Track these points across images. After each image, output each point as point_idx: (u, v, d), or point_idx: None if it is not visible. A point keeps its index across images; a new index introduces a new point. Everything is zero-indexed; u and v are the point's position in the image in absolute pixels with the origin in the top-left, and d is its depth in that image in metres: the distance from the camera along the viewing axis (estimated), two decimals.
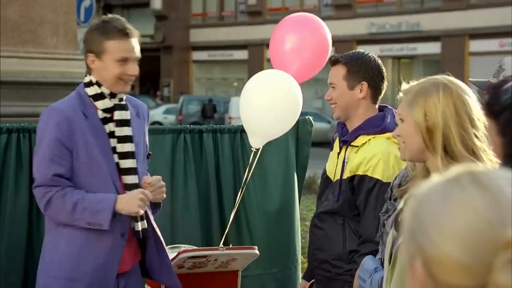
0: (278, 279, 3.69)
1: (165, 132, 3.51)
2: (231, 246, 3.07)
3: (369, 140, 2.73)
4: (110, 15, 2.59)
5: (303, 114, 3.45)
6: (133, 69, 2.53)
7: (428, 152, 1.91)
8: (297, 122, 3.81)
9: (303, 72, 3.29)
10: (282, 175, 3.69)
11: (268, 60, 3.57)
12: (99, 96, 2.51)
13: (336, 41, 25.47)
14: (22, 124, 3.27)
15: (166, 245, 3.08)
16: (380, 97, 2.88)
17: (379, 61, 2.89)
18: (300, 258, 3.80)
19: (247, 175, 3.23)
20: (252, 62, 27.01)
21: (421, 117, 1.90)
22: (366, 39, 25.32)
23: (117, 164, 2.51)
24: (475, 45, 23.25)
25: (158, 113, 24.90)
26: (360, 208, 2.70)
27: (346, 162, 2.76)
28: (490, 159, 1.85)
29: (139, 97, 28.40)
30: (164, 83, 31.34)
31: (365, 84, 2.79)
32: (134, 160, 2.53)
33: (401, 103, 2.02)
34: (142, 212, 2.43)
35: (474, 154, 1.86)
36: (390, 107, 2.88)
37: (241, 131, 3.60)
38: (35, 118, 5.04)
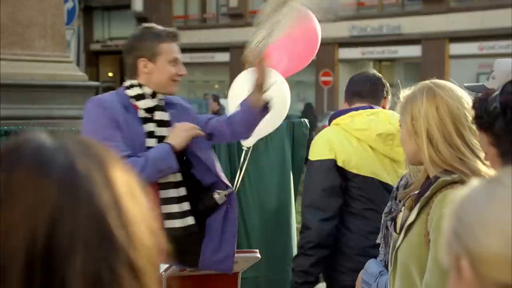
0: (275, 282, 3.71)
1: None
2: None
3: None
4: (146, 23, 2.74)
5: (286, 117, 3.49)
6: (184, 69, 2.68)
7: (422, 155, 1.95)
8: (293, 125, 3.84)
9: (290, 65, 3.34)
10: (278, 177, 3.71)
11: None
12: (141, 97, 2.59)
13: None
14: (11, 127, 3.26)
15: None
16: (359, 98, 2.96)
17: (367, 73, 3.03)
18: None
19: (239, 175, 3.25)
20: (233, 64, 27.02)
21: (409, 122, 1.96)
22: (348, 41, 25.46)
23: None
24: (455, 48, 23.50)
25: None
26: None
27: None
28: (480, 159, 1.89)
29: None
30: None
31: (343, 101, 3.05)
32: None
33: (399, 109, 2.07)
34: (191, 133, 2.51)
35: (462, 155, 1.90)
36: (368, 106, 2.95)
37: None
38: (24, 120, 5.02)
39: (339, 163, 2.80)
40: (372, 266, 2.38)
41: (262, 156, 3.71)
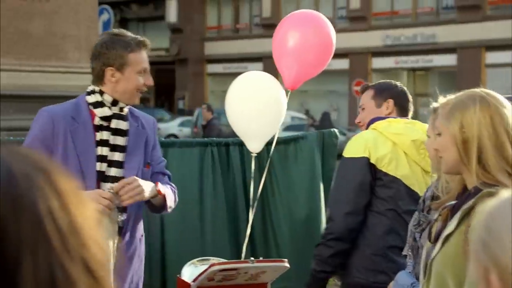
0: None
1: (193, 145, 3.54)
2: (261, 259, 3.08)
3: None
4: (115, 30, 2.64)
5: (319, 127, 3.57)
6: (151, 80, 2.61)
7: (463, 165, 1.91)
8: (323, 134, 3.84)
9: (304, 71, 3.39)
10: (308, 187, 3.70)
11: None
12: (99, 104, 2.56)
13: (351, 53, 25.19)
14: None
15: (196, 258, 3.09)
16: (407, 117, 3.04)
17: (404, 88, 3.13)
18: None
19: (254, 184, 3.29)
20: None
21: (457, 130, 1.89)
22: (381, 51, 25.30)
23: (103, 172, 2.52)
24: (491, 57, 23.15)
25: (173, 126, 25.01)
26: None
27: None
28: None
29: (153, 110, 28.64)
30: (179, 95, 31.48)
31: (391, 101, 3.02)
32: (120, 170, 2.55)
33: (438, 117, 2.02)
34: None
35: (510, 167, 1.85)
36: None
37: (267, 143, 3.62)
38: None
39: (372, 161, 2.87)
40: (403, 277, 2.35)
41: (291, 165, 3.70)
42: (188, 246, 3.37)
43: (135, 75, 2.55)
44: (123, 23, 32.70)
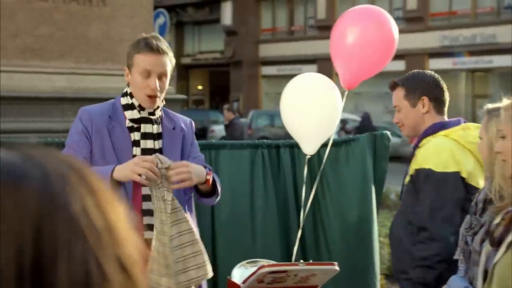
0: None
1: (244, 147, 3.56)
2: (311, 261, 3.07)
3: (429, 139, 2.86)
4: (154, 33, 2.64)
5: (359, 129, 3.49)
6: (154, 82, 2.51)
7: None
8: (375, 137, 3.79)
9: (365, 67, 3.28)
10: (360, 189, 3.67)
11: (337, 74, 3.57)
12: (128, 107, 2.59)
13: (408, 55, 24.76)
14: None
15: (246, 260, 3.11)
16: (445, 108, 2.94)
17: (436, 75, 2.96)
18: (379, 274, 3.75)
19: (305, 185, 3.27)
20: None
21: None
22: (439, 52, 24.81)
23: None
24: None
25: None
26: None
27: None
28: None
29: (208, 112, 28.88)
30: (234, 98, 31.69)
31: (425, 99, 2.90)
32: None
33: (502, 119, 1.97)
34: (138, 178, 2.35)
35: None
36: (462, 119, 2.95)
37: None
38: None
39: (464, 175, 2.74)
40: (456, 281, 2.30)
41: (343, 168, 3.67)
42: (239, 248, 3.39)
43: (138, 76, 2.52)
44: (179, 26, 33.15)
